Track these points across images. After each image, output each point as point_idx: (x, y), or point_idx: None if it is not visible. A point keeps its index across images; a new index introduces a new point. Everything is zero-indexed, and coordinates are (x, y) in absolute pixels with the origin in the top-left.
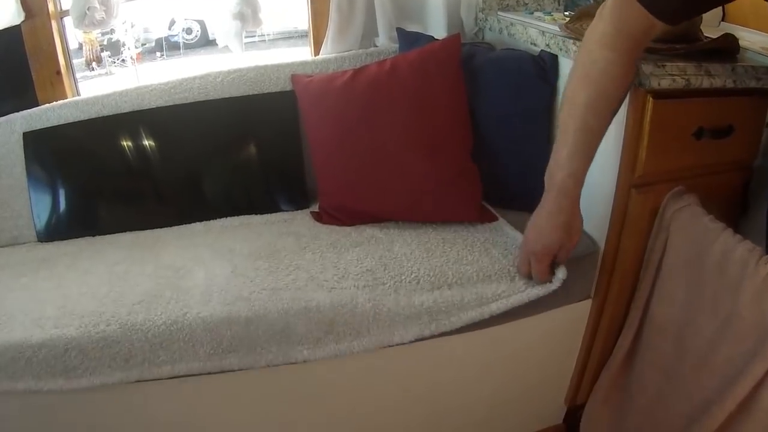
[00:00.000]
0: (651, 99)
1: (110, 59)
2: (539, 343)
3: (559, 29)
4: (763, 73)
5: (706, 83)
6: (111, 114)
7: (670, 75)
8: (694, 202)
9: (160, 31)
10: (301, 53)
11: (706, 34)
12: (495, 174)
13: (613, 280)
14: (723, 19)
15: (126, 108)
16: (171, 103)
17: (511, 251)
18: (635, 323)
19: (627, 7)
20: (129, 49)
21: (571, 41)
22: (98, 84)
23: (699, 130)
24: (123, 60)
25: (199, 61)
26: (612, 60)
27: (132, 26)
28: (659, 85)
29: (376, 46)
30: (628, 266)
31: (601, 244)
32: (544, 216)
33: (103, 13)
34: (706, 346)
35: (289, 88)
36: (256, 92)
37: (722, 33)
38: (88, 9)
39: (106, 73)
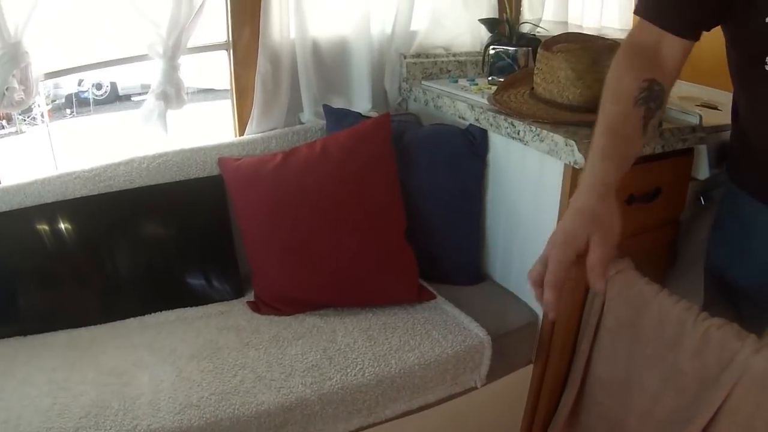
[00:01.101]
0: None
1: (20, 117)
2: (484, 411)
3: (487, 101)
4: (688, 133)
5: None
6: (34, 204)
7: None
8: (629, 266)
9: (69, 87)
10: (223, 108)
11: None
12: (429, 250)
13: (553, 344)
14: None
15: (49, 198)
16: (96, 192)
17: (450, 330)
18: (577, 382)
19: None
20: (39, 106)
21: (502, 117)
22: (8, 144)
23: (630, 197)
24: (33, 118)
25: (111, 119)
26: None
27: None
28: None
29: (302, 123)
30: (567, 330)
31: (540, 313)
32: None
33: (23, 93)
34: (651, 400)
35: (216, 172)
36: (182, 178)
37: None
38: (6, 90)
39: (17, 131)
